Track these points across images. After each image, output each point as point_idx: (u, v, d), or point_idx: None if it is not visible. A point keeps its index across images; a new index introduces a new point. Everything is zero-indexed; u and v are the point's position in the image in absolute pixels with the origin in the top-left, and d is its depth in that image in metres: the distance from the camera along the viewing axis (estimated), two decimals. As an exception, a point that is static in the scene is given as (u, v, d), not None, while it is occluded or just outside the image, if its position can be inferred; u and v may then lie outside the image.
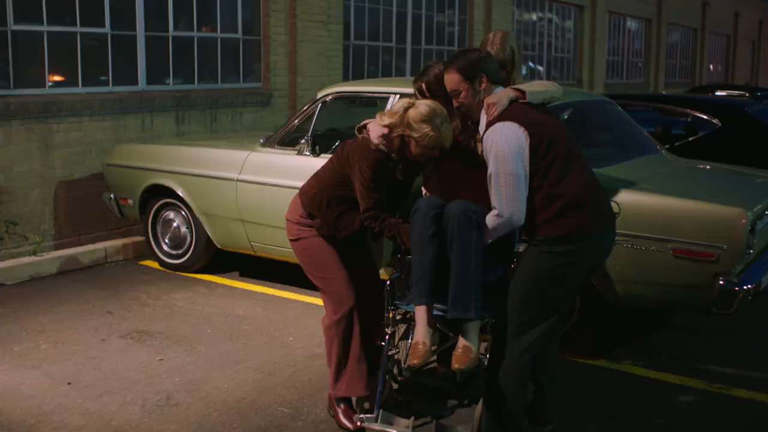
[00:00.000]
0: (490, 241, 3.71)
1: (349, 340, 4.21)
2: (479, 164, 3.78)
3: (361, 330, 4.22)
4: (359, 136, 4.11)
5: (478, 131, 3.88)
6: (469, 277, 3.72)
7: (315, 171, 4.40)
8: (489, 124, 3.62)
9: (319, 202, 4.20)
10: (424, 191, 4.28)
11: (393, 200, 4.17)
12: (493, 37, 4.31)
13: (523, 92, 3.72)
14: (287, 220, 4.37)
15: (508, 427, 3.72)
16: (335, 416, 4.26)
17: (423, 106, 3.90)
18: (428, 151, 3.92)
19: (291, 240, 4.36)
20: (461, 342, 3.76)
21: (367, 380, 4.22)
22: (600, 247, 3.70)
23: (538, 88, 3.88)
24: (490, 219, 3.65)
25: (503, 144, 3.51)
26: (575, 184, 3.57)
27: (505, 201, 3.54)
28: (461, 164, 4.05)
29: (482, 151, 3.69)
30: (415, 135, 3.86)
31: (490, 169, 3.56)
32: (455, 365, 3.70)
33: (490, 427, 3.76)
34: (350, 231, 4.20)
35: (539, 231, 3.56)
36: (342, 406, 4.25)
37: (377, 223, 4.02)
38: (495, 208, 3.60)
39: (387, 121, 3.98)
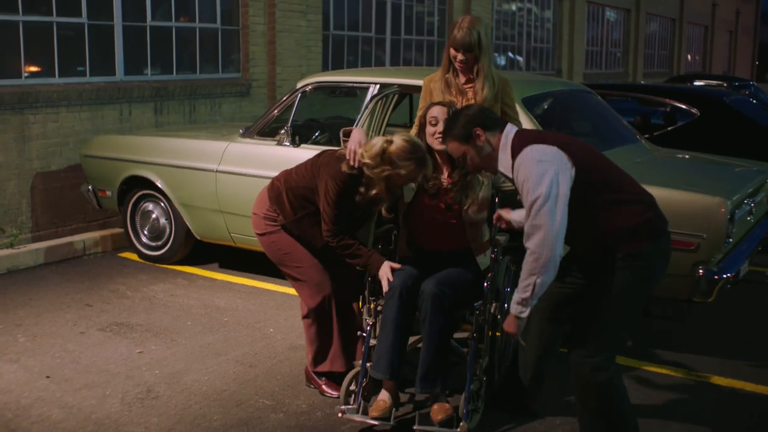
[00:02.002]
0: (533, 301, 3.40)
1: (329, 323, 4.36)
2: (455, 207, 4.15)
3: (337, 312, 4.37)
4: (338, 151, 4.19)
5: (461, 178, 4.14)
6: (436, 357, 3.98)
7: (292, 164, 4.49)
8: (514, 156, 3.45)
9: (283, 201, 4.31)
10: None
11: (353, 223, 4.29)
12: (461, 21, 4.44)
13: None
14: (254, 214, 4.45)
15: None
16: (318, 387, 4.43)
17: (402, 141, 4.01)
18: (407, 182, 4.12)
19: (258, 234, 4.45)
20: (435, 404, 4.02)
21: (345, 357, 4.42)
22: (669, 250, 3.55)
23: None
24: (527, 267, 3.31)
25: (535, 166, 3.30)
26: (636, 185, 3.53)
27: (543, 234, 3.24)
28: (438, 206, 4.20)
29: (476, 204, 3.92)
30: (403, 172, 3.99)
31: (528, 199, 3.29)
32: (438, 417, 3.95)
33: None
34: (320, 241, 4.29)
35: (628, 246, 3.37)
36: (323, 378, 4.44)
37: (335, 240, 4.14)
38: (529, 248, 3.29)
39: (366, 161, 4.04)
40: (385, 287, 4.07)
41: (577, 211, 3.34)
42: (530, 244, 3.28)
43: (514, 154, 3.45)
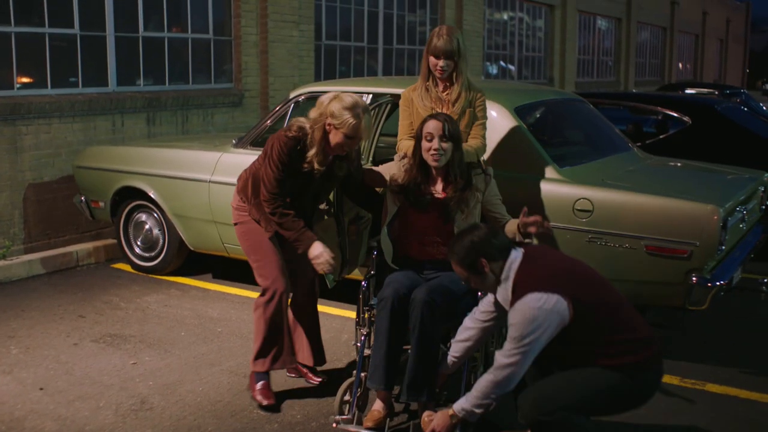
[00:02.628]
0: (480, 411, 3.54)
1: (279, 320, 4.35)
2: (442, 214, 4.16)
3: (293, 313, 4.51)
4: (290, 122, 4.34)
5: (457, 194, 4.18)
6: (425, 365, 3.95)
7: None
8: (514, 293, 3.45)
9: (247, 187, 4.41)
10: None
11: (304, 199, 4.34)
12: (440, 30, 4.67)
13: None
14: (232, 206, 4.56)
15: None
16: (252, 392, 4.43)
17: (347, 97, 4.11)
18: (347, 141, 4.10)
19: (234, 224, 4.55)
20: (426, 414, 3.94)
21: (292, 355, 4.44)
22: (658, 383, 3.53)
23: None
24: (489, 389, 3.46)
25: (529, 317, 3.31)
26: (637, 320, 3.48)
27: (513, 373, 3.38)
28: (430, 218, 4.22)
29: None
30: (336, 122, 4.05)
31: (512, 343, 3.35)
32: (427, 430, 3.90)
33: None
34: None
35: (618, 360, 3.37)
36: (261, 383, 4.41)
37: (272, 205, 4.16)
38: (496, 377, 3.42)
39: (312, 114, 4.16)
40: (321, 268, 4.14)
41: (571, 343, 3.39)
42: (500, 374, 3.40)
43: (515, 291, 3.44)
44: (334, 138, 4.10)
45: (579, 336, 3.38)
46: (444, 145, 4.14)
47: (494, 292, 3.63)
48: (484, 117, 4.74)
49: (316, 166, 4.16)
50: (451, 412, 3.57)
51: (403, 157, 4.42)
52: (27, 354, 5.14)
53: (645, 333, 3.47)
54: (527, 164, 5.20)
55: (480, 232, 3.60)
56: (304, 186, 4.27)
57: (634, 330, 3.44)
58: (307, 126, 4.16)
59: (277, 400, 4.44)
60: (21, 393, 4.55)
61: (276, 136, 4.20)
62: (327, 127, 4.10)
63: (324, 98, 4.17)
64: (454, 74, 4.62)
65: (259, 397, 4.38)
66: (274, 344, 4.38)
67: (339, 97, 4.10)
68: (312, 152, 4.13)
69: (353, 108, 4.05)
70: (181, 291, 6.56)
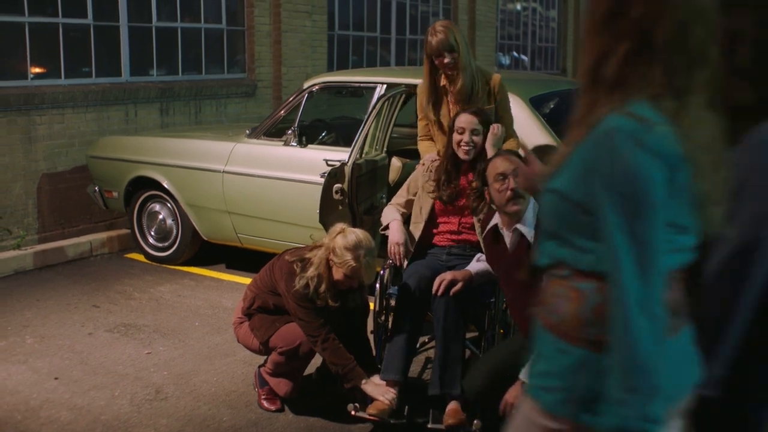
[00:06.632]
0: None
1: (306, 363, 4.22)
2: (468, 205, 4.19)
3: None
4: (288, 260, 4.06)
5: (481, 187, 4.05)
6: (452, 358, 3.92)
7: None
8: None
9: (252, 304, 4.21)
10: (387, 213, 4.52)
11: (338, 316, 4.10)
12: (434, 27, 4.53)
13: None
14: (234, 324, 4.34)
15: None
16: (258, 396, 4.30)
17: (351, 235, 3.92)
18: (346, 279, 3.94)
19: (239, 324, 4.29)
20: (449, 405, 3.90)
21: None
22: None
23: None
24: None
25: None
26: None
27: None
28: (455, 209, 4.25)
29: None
30: (336, 260, 3.90)
31: None
32: (449, 422, 3.85)
33: None
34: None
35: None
36: (267, 387, 4.26)
37: (317, 339, 3.95)
38: None
39: (317, 251, 3.98)
40: (377, 397, 3.93)
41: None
42: None
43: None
44: (336, 274, 3.94)
45: None
46: (475, 138, 4.19)
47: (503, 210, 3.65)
48: (508, 105, 4.71)
49: (330, 302, 3.98)
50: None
51: (433, 160, 4.47)
52: (42, 343, 5.16)
53: None
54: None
55: None
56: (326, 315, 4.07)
57: None
58: (312, 270, 3.94)
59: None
60: (36, 382, 4.56)
61: (290, 294, 3.97)
62: (329, 262, 3.94)
63: (335, 228, 4.00)
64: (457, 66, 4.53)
65: (266, 405, 4.26)
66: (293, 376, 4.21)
67: (344, 233, 3.94)
68: (323, 288, 3.94)
69: (355, 249, 3.86)
70: (194, 281, 6.56)
